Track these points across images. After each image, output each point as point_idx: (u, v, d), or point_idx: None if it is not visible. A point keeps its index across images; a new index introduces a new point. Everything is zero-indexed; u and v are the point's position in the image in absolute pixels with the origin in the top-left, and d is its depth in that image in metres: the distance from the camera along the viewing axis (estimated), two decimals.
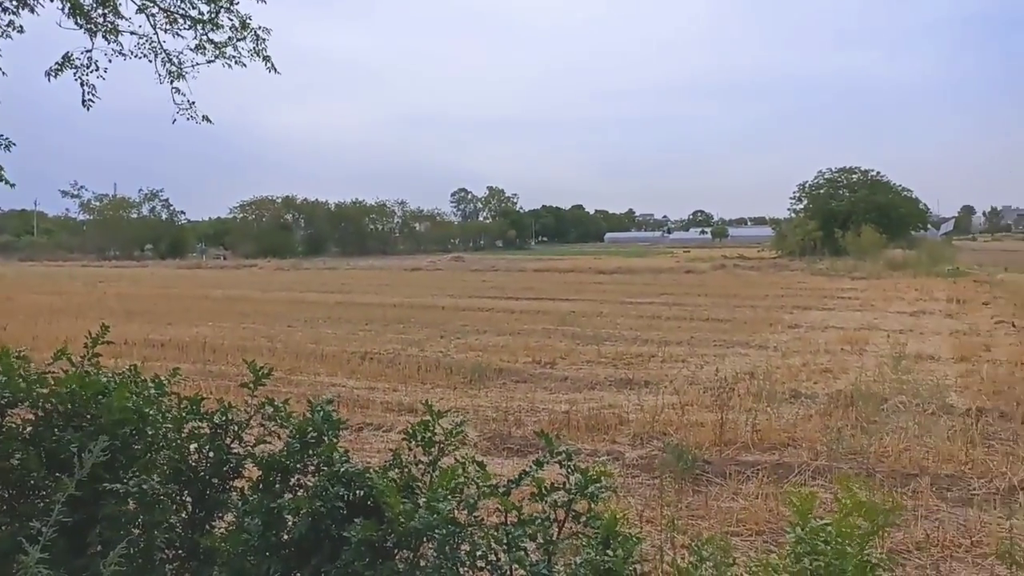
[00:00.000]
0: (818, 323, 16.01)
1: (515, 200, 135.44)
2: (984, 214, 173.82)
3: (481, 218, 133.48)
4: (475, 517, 2.32)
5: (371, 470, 2.57)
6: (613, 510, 2.47)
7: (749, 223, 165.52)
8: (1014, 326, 14.80)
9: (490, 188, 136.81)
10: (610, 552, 2.26)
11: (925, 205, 61.21)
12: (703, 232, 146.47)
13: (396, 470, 2.64)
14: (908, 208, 54.54)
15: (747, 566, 2.51)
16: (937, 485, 5.69)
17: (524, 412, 8.28)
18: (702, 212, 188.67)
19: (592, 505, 2.38)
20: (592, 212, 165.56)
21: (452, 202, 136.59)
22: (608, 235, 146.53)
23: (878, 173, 55.13)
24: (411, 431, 2.71)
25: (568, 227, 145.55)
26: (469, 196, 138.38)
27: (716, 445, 6.74)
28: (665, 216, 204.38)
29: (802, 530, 2.03)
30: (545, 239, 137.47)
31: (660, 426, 7.40)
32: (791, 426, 7.27)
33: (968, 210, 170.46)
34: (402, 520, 2.25)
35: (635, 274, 35.44)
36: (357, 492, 2.49)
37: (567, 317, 17.11)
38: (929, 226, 72.62)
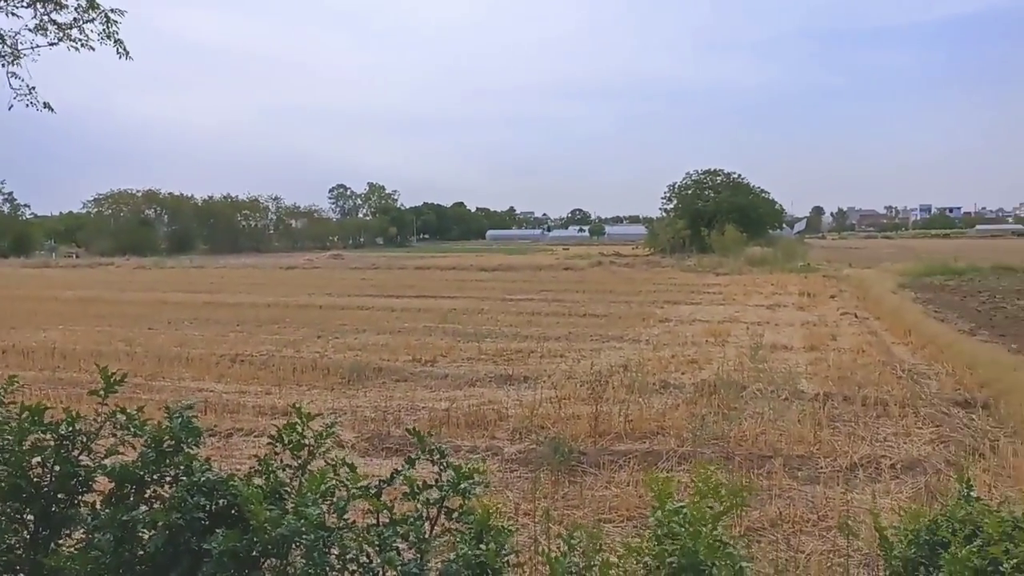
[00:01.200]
0: (686, 317, 16.87)
1: (396, 197, 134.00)
2: (832, 214, 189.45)
3: (361, 215, 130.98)
4: (346, 520, 2.28)
5: (235, 478, 2.47)
6: (487, 505, 2.50)
7: (625, 221, 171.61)
8: (856, 317, 16.25)
9: (370, 184, 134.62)
10: (483, 546, 2.29)
11: (781, 206, 66.07)
12: (581, 230, 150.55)
13: (263, 476, 2.56)
14: (766, 208, 58.58)
15: (614, 551, 2.62)
16: (789, 465, 6.15)
17: (404, 411, 8.21)
18: (580, 210, 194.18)
19: (465, 501, 2.40)
20: (474, 210, 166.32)
21: (330, 199, 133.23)
22: (490, 232, 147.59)
23: (739, 175, 58.87)
24: (278, 435, 2.63)
25: (450, 224, 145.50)
26: (348, 192, 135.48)
27: (591, 436, 6.97)
28: (545, 214, 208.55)
29: (661, 514, 2.15)
30: (427, 236, 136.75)
31: (539, 420, 7.55)
32: (660, 415, 7.63)
33: (818, 211, 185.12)
34: (268, 528, 2.18)
35: (516, 271, 35.95)
36: (219, 501, 2.39)
37: (448, 315, 17.11)
38: (784, 225, 78.39)
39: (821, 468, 6.13)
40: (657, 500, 2.17)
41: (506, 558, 2.34)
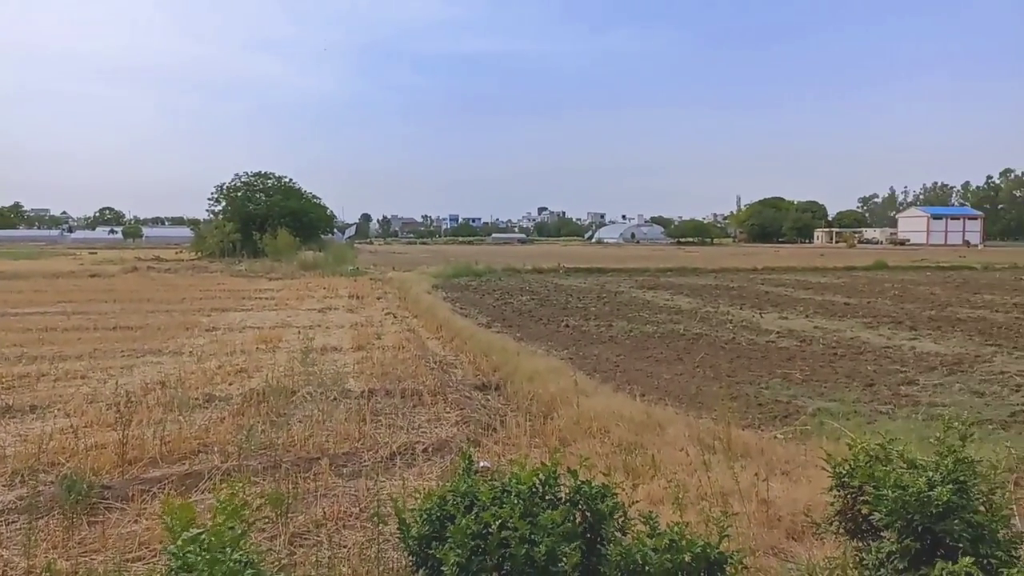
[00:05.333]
0: (236, 324, 16.19)
1: None
2: (379, 221, 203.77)
3: None
4: None
5: None
6: None
7: (167, 223, 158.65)
8: (396, 316, 17.66)
9: None
10: None
11: (332, 211, 68.22)
12: (113, 231, 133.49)
13: None
14: (318, 213, 59.85)
15: None
16: (335, 464, 6.33)
17: None
18: (111, 209, 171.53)
19: None
20: None
21: None
22: None
23: (291, 180, 59.02)
24: None
25: None
26: None
27: (119, 466, 6.14)
28: (65, 212, 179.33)
29: (177, 545, 1.95)
30: None
31: (49, 456, 6.37)
32: (203, 432, 7.13)
33: (367, 217, 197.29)
34: None
35: (24, 279, 29.87)
36: None
37: None
38: (336, 230, 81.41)
39: (364, 462, 6.45)
40: (169, 531, 1.96)
41: None
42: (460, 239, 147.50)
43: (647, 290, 26.20)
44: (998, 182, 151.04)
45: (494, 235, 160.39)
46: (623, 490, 2.80)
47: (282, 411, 8.07)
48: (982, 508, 2.79)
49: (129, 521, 5.05)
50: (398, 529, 2.51)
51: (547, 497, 2.48)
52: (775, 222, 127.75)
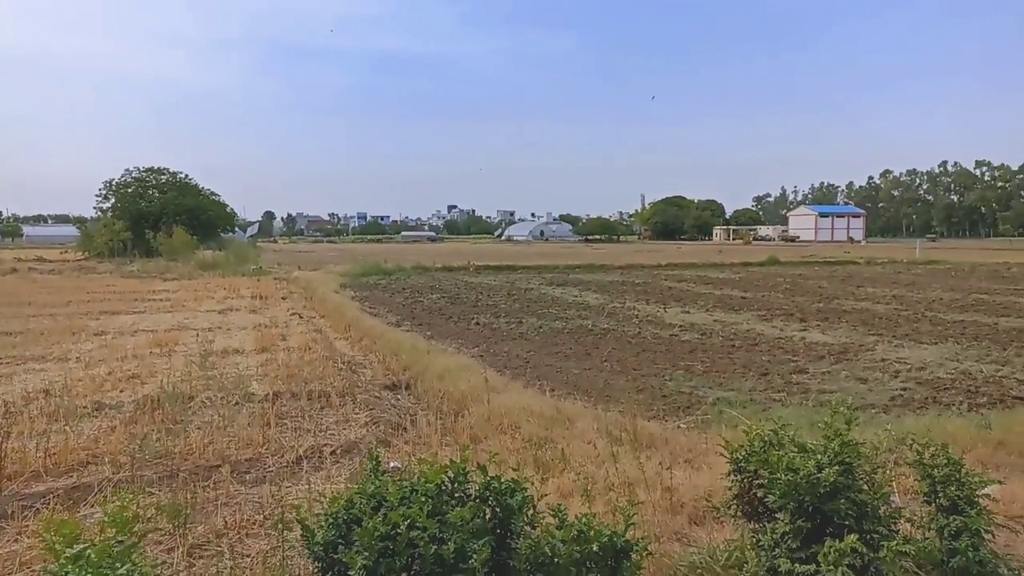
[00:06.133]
0: (127, 328, 15.32)
1: None
2: (283, 219, 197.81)
3: None
4: None
5: None
6: None
7: (50, 221, 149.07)
8: (301, 317, 17.17)
9: None
10: None
11: (232, 209, 65.64)
12: None
13: None
14: (217, 211, 57.49)
15: None
16: (237, 471, 6.09)
17: None
18: None
19: None
20: None
21: None
22: None
23: (186, 176, 56.38)
24: None
25: None
26: None
27: None
28: None
29: (58, 564, 1.82)
30: None
31: None
32: (92, 442, 6.71)
33: (270, 215, 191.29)
34: None
35: None
36: None
37: None
38: (237, 229, 78.41)
39: (269, 467, 6.24)
40: (51, 549, 1.83)
41: None
42: (369, 237, 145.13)
43: (556, 287, 26.58)
44: (878, 182, 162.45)
45: (403, 233, 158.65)
46: (533, 484, 2.82)
47: (179, 418, 7.70)
48: (865, 487, 2.98)
49: (8, 540, 4.68)
50: (302, 535, 2.44)
51: (456, 494, 2.47)
52: (677, 220, 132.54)
